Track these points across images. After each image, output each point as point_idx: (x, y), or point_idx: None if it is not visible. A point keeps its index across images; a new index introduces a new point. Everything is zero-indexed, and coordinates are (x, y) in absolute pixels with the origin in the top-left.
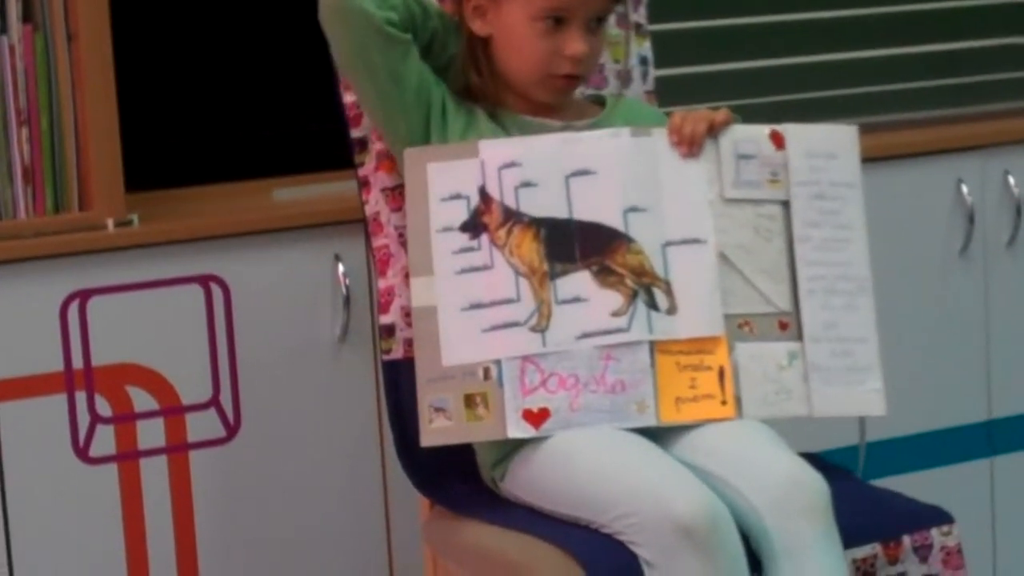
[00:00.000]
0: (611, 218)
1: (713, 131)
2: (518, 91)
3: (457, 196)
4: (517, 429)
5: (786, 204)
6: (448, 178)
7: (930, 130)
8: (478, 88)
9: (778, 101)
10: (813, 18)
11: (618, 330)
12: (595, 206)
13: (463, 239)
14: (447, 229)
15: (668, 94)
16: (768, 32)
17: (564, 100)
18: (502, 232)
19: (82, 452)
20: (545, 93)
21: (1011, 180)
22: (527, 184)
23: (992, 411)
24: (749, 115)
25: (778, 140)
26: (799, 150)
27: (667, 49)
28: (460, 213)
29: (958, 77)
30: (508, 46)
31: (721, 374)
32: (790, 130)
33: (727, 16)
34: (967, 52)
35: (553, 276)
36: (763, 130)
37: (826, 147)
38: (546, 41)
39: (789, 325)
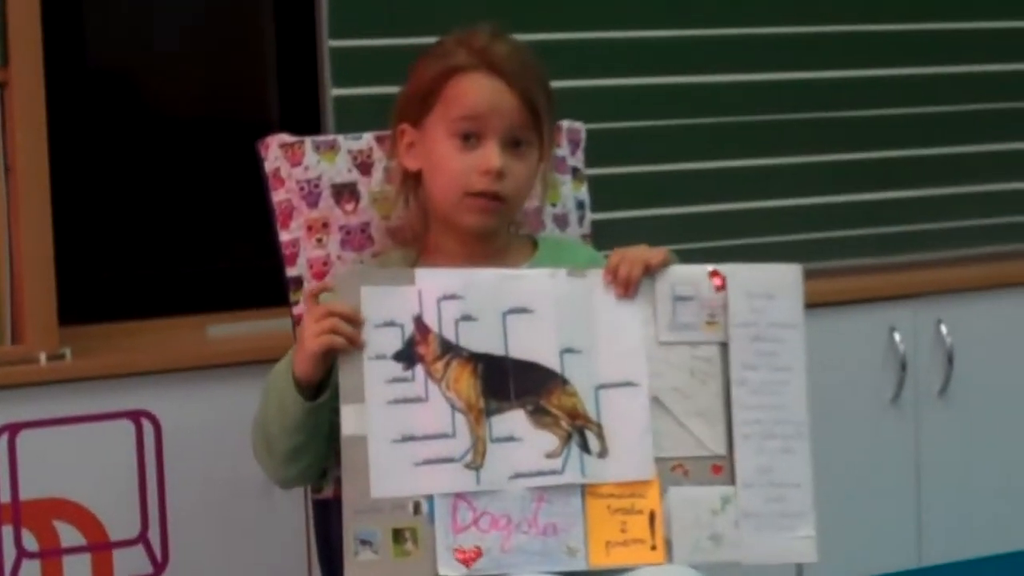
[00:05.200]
0: (547, 358)
1: (649, 272)
2: (450, 224)
3: (391, 323)
4: (448, 567)
5: (724, 345)
6: (382, 304)
7: (862, 278)
8: (417, 233)
9: (713, 247)
10: (749, 165)
11: (552, 472)
12: (531, 345)
13: (397, 368)
14: (380, 356)
15: (605, 237)
16: (705, 178)
17: (490, 226)
18: (439, 365)
19: None
20: (469, 216)
21: (943, 329)
22: (467, 318)
23: (922, 558)
24: (685, 259)
25: (718, 280)
26: (740, 291)
27: (604, 193)
28: (394, 341)
29: (892, 226)
30: (432, 170)
31: (652, 518)
32: (731, 270)
33: (664, 162)
34: (899, 201)
35: (488, 413)
36: (703, 270)
37: (768, 287)
38: (463, 157)
39: (723, 469)
